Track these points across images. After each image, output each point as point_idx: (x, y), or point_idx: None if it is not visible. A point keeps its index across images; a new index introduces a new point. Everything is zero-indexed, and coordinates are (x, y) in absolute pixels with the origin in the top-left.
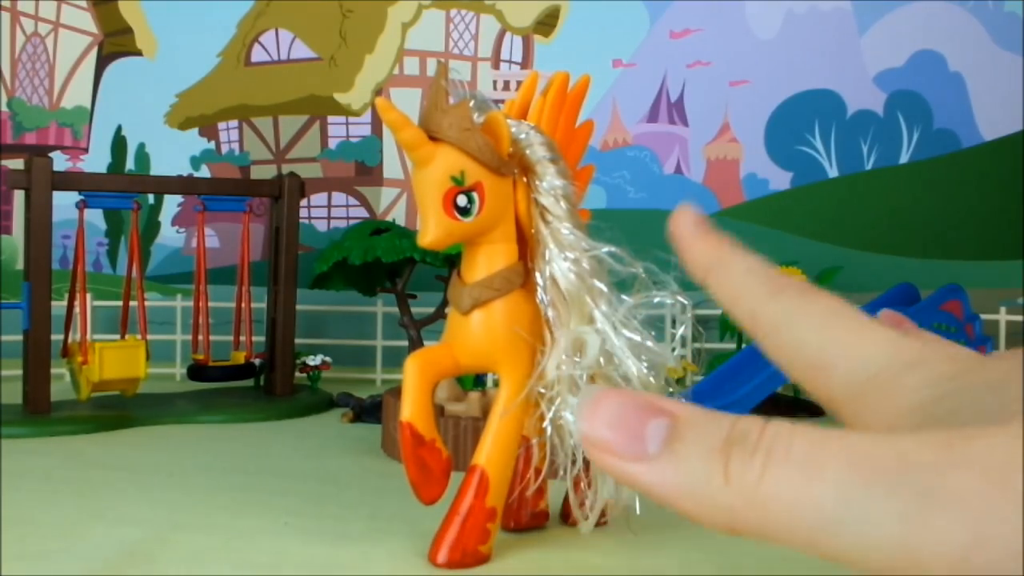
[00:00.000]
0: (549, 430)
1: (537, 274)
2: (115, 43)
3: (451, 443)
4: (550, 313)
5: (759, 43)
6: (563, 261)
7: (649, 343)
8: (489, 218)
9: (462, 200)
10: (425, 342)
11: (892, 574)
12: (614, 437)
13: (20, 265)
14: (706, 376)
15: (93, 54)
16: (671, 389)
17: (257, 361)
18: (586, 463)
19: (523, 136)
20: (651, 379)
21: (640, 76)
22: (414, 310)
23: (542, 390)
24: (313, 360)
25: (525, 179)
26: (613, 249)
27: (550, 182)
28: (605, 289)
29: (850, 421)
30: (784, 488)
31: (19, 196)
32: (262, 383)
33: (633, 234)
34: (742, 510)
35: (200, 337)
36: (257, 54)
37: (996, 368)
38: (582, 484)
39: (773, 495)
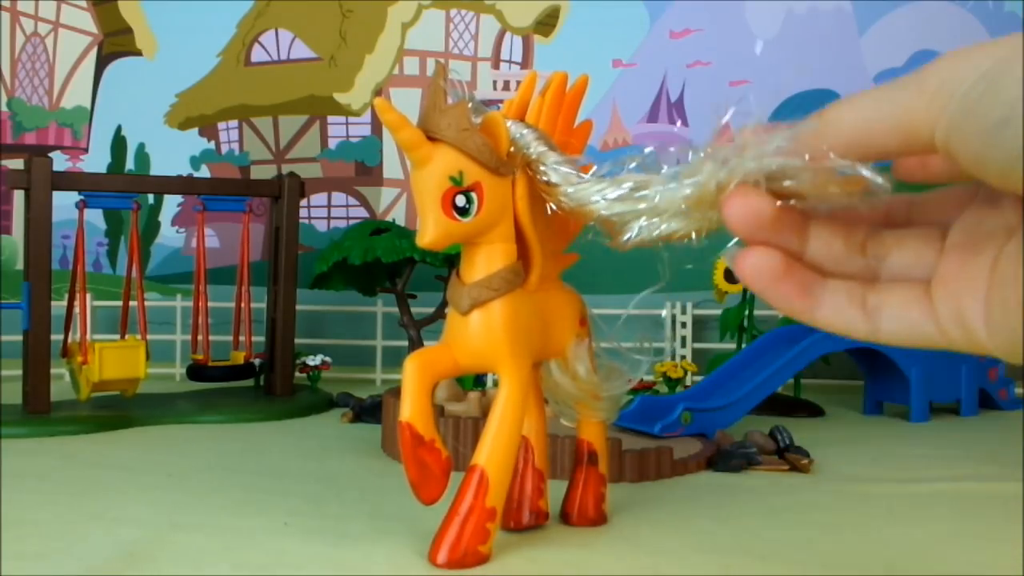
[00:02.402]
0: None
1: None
2: (115, 43)
3: (451, 443)
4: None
5: (759, 43)
6: (600, 198)
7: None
8: (488, 218)
9: (461, 200)
10: (425, 342)
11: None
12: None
13: (20, 265)
14: (706, 376)
15: (93, 54)
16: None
17: (257, 361)
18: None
19: (519, 136)
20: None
21: (640, 76)
22: (414, 310)
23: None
24: (313, 360)
25: (530, 171)
26: (626, 164)
27: (551, 163)
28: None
29: None
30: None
31: (19, 196)
32: (262, 383)
33: None
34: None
35: (200, 337)
36: (257, 54)
37: None
38: None
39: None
